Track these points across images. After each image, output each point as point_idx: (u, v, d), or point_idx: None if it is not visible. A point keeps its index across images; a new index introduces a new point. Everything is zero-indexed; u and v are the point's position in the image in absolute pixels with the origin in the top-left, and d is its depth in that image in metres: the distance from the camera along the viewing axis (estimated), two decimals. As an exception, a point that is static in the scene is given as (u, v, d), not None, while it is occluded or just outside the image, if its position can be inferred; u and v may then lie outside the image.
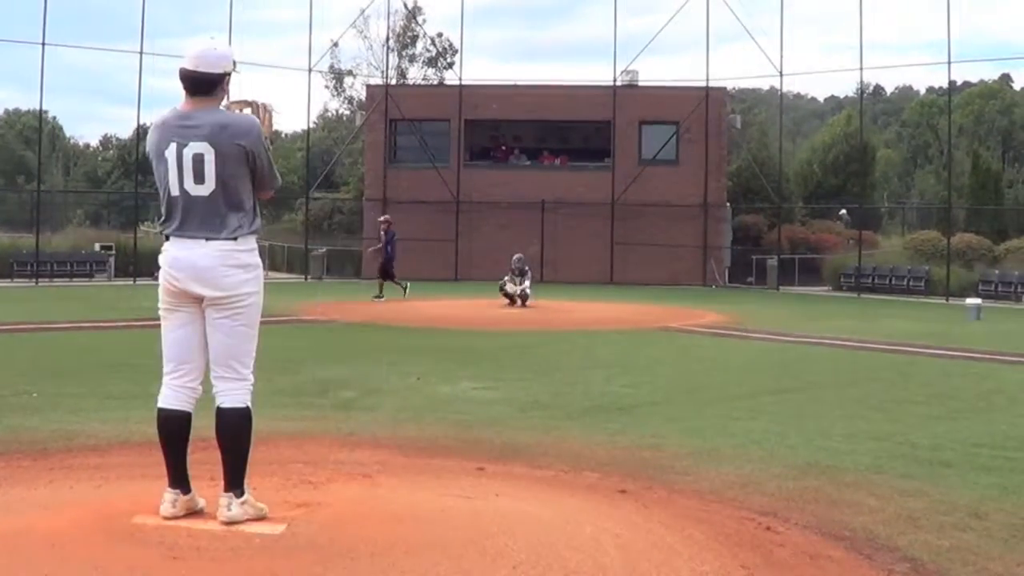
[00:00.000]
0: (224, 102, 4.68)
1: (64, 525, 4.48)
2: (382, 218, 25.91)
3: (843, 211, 42.89)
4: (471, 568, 4.06)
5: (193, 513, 4.61)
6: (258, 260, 4.64)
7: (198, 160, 4.44)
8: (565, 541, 4.47)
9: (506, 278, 22.34)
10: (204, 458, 5.49)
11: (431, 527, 4.58)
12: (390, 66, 43.33)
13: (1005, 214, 40.97)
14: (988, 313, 22.09)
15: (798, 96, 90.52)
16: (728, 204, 37.41)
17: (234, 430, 4.57)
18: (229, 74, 4.59)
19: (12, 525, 4.50)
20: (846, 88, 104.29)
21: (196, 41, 4.63)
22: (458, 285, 31.88)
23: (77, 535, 4.33)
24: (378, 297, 23.55)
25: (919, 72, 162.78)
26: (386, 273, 24.40)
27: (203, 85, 4.51)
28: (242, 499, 4.54)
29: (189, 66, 4.50)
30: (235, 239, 4.51)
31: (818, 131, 62.63)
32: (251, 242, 4.59)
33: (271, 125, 4.76)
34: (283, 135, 76.47)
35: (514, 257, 22.68)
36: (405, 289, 23.92)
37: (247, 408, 4.60)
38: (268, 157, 4.60)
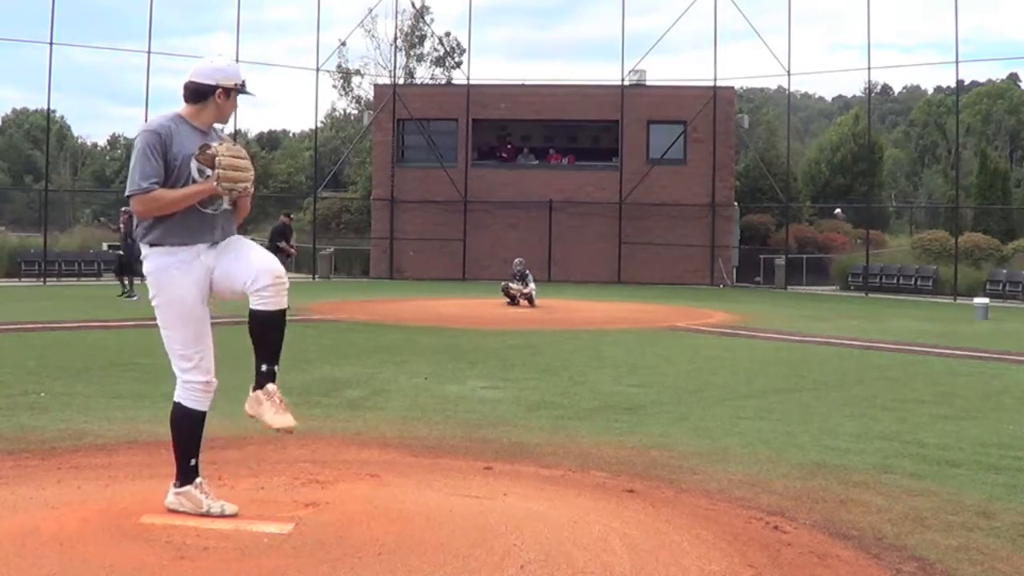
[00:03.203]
0: (217, 134, 4.77)
1: (72, 525, 4.49)
2: (124, 209, 24.10)
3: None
4: (479, 567, 4.06)
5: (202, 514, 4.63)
6: (154, 264, 4.62)
7: None
8: (573, 540, 4.47)
9: (509, 281, 22.54)
10: (212, 457, 5.51)
11: (439, 526, 4.58)
12: (398, 65, 43.34)
13: (1013, 213, 40.89)
14: (996, 312, 22.06)
15: (806, 96, 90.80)
16: (736, 203, 37.38)
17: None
18: (224, 89, 4.66)
19: (20, 524, 4.51)
20: (854, 88, 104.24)
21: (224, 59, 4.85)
22: (466, 284, 31.89)
23: (85, 535, 4.34)
24: (128, 295, 22.27)
25: (926, 72, 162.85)
26: (124, 269, 23.19)
27: (190, 93, 4.67)
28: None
29: (187, 76, 4.68)
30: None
31: (826, 130, 62.58)
32: (144, 249, 4.64)
33: (223, 177, 4.57)
34: (291, 134, 76.73)
35: (515, 261, 23.13)
36: (130, 290, 22.60)
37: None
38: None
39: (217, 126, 4.82)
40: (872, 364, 12.62)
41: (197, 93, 4.65)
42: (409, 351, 12.98)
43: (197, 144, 4.60)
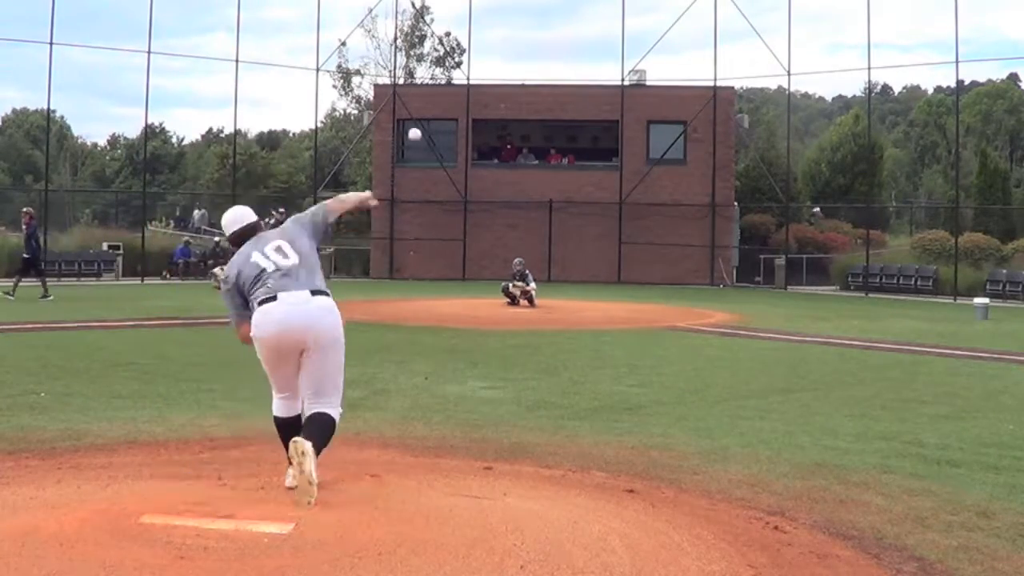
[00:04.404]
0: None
1: (72, 525, 4.49)
2: (25, 210, 23.31)
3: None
4: (479, 567, 4.06)
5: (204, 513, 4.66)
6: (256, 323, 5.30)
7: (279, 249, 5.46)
8: (573, 540, 4.47)
9: (509, 281, 22.55)
10: (212, 457, 5.51)
11: (439, 526, 4.58)
12: (398, 65, 43.32)
13: (1013, 213, 40.89)
14: (996, 312, 22.05)
15: (806, 96, 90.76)
16: (736, 203, 37.37)
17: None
18: (262, 220, 5.80)
19: (20, 524, 4.51)
20: (854, 87, 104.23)
21: (226, 213, 5.74)
22: (466, 284, 31.88)
23: (85, 534, 4.34)
24: (8, 295, 21.26)
25: (926, 71, 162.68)
26: (27, 270, 22.36)
27: (249, 231, 5.55)
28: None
29: (236, 228, 5.56)
30: None
31: (826, 130, 62.56)
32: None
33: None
34: (291, 134, 76.73)
35: (515, 261, 23.13)
36: (12, 290, 21.62)
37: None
38: None
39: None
40: (872, 364, 12.62)
41: (253, 228, 5.59)
42: (409, 351, 12.99)
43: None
